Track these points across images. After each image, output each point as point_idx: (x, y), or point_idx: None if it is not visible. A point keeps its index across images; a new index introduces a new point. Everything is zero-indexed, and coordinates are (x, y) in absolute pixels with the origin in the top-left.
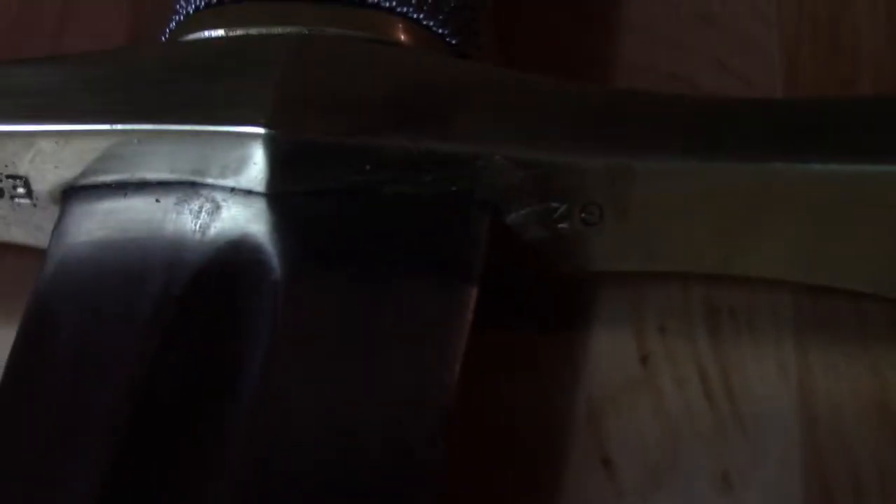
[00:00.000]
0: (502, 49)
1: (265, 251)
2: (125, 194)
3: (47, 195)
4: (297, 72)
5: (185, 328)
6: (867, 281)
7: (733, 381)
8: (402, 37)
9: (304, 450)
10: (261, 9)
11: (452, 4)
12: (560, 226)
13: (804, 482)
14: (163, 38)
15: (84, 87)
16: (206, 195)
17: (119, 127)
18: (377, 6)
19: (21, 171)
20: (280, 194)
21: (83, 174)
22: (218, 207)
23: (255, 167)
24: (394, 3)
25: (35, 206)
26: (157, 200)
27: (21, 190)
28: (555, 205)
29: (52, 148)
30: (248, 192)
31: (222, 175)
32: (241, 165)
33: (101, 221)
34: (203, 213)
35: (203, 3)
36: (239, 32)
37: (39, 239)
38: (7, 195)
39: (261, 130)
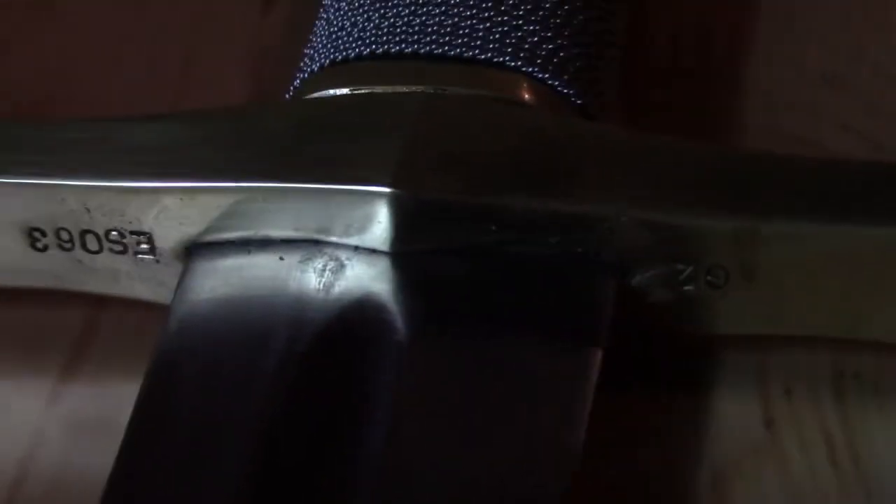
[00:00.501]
0: (627, 110)
1: (389, 311)
2: (249, 251)
3: (171, 252)
4: (422, 131)
5: (309, 387)
6: None
7: (859, 446)
8: (528, 96)
9: None
10: (386, 67)
11: (578, 64)
12: (685, 288)
13: None
14: (287, 96)
15: (208, 144)
16: (330, 253)
17: (244, 184)
18: (502, 65)
19: (145, 228)
20: (404, 253)
21: (207, 231)
22: (342, 266)
23: (380, 226)
24: (519, 63)
25: (158, 262)
26: (281, 258)
27: (145, 246)
28: (680, 267)
29: (177, 204)
30: (372, 251)
31: (346, 233)
32: (365, 224)
33: (225, 279)
34: (327, 272)
35: (328, 62)
36: (364, 91)
37: (162, 295)
38: (131, 251)
39: (385, 189)
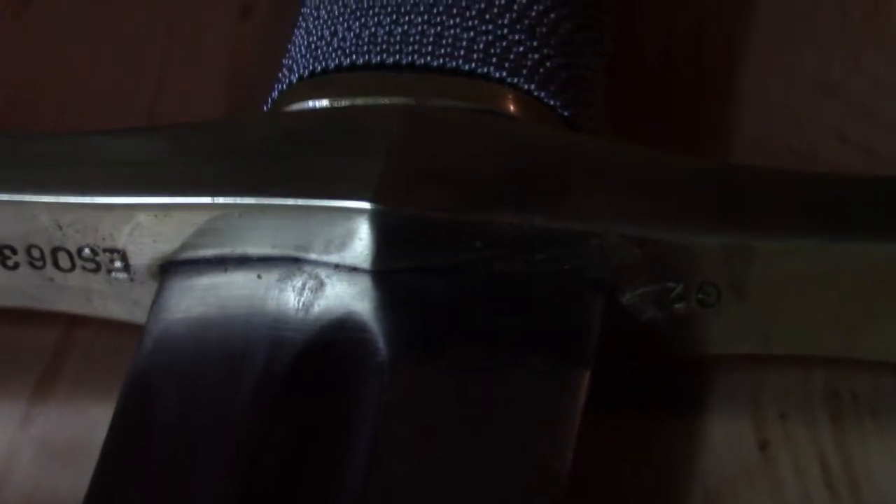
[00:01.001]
0: (615, 121)
1: (370, 330)
2: (225, 269)
3: (145, 270)
4: (404, 144)
5: (288, 409)
6: None
7: (855, 469)
8: (513, 108)
9: None
10: (367, 79)
11: (565, 75)
12: (676, 306)
13: None
14: (264, 108)
15: (184, 159)
16: (310, 272)
17: (221, 200)
18: (487, 76)
19: (119, 245)
20: (386, 271)
21: (182, 248)
22: (322, 284)
23: (361, 243)
24: (504, 74)
25: (132, 280)
26: (259, 276)
27: (118, 264)
28: (671, 285)
29: (151, 221)
30: (353, 269)
31: (326, 251)
32: (345, 241)
33: (201, 297)
34: (306, 291)
35: (307, 72)
36: (344, 103)
37: (136, 315)
38: (104, 269)
39: (367, 205)
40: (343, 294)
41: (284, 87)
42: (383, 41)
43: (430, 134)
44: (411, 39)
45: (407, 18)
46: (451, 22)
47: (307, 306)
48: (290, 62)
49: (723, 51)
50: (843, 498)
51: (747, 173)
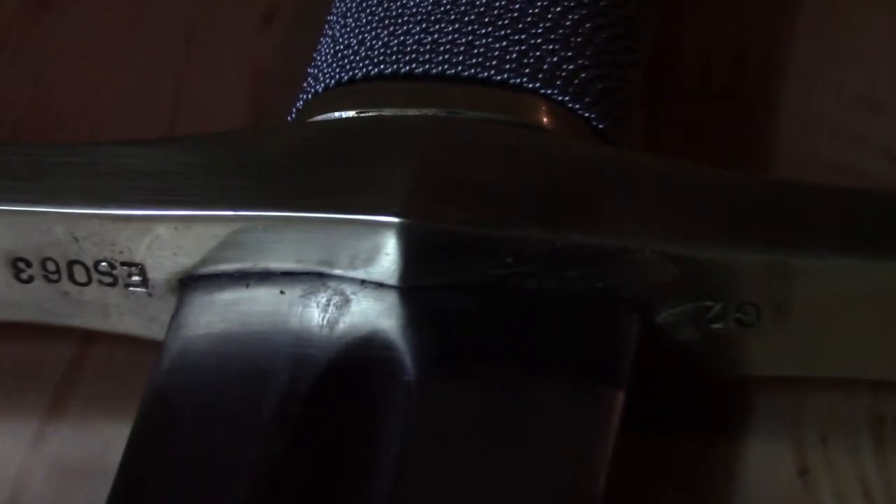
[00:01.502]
0: (654, 131)
1: (397, 349)
2: (247, 285)
3: (164, 284)
4: (433, 157)
5: (312, 428)
6: None
7: None
8: (546, 120)
9: None
10: (395, 88)
11: (600, 86)
12: (714, 326)
13: None
14: (289, 119)
15: (205, 170)
16: (335, 287)
17: (243, 213)
18: (520, 87)
19: (137, 259)
20: (413, 288)
21: (203, 262)
22: (347, 301)
23: (388, 258)
24: (537, 84)
25: (150, 295)
26: (282, 292)
27: (136, 278)
28: (708, 304)
29: (171, 234)
30: (380, 285)
31: (352, 266)
32: (372, 256)
33: (222, 313)
34: (331, 307)
35: (333, 82)
36: (372, 113)
37: (154, 331)
38: (121, 283)
39: (394, 220)
40: (369, 311)
41: (310, 96)
42: (412, 50)
43: (460, 146)
44: (441, 49)
45: (437, 27)
46: (483, 31)
47: (332, 323)
48: (316, 71)
49: (764, 63)
50: None
51: (788, 189)
